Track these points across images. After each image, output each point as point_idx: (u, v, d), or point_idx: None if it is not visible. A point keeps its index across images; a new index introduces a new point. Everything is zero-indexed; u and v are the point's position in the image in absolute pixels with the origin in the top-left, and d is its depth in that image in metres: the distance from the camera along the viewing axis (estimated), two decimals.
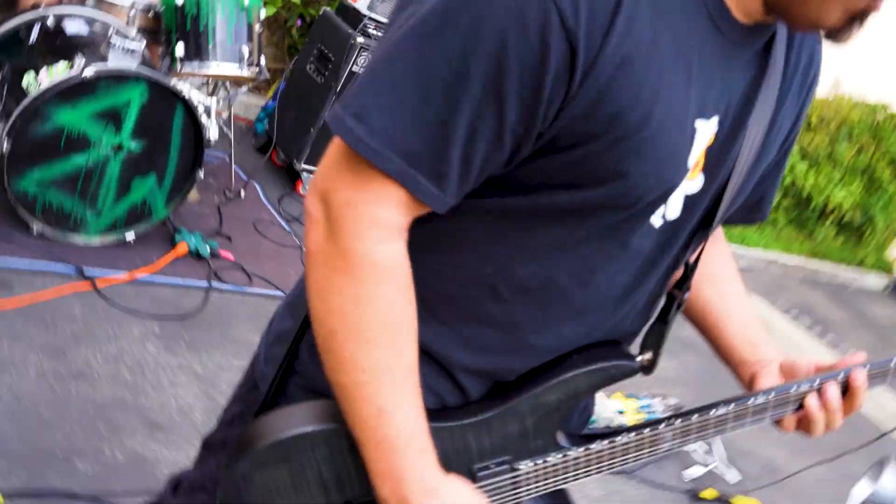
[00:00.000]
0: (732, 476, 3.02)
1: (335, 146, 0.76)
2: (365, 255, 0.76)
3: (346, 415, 0.80)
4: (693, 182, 0.84)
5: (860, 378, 0.92)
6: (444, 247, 0.84)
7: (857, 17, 0.77)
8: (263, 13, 2.94)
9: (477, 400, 0.90)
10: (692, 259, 0.94)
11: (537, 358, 0.89)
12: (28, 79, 2.44)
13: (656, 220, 0.84)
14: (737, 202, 0.92)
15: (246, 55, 2.83)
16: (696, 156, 0.82)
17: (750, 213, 1.03)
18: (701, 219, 0.89)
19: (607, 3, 0.69)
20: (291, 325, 0.93)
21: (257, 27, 2.87)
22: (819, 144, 6.56)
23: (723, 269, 1.09)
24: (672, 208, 0.85)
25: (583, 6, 0.68)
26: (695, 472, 2.96)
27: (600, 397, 2.96)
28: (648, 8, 0.72)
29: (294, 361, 0.93)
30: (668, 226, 0.86)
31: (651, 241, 0.86)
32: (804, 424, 0.95)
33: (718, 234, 1.09)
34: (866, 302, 6.17)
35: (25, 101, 2.36)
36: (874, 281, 6.63)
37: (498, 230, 0.82)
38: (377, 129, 0.71)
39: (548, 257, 0.83)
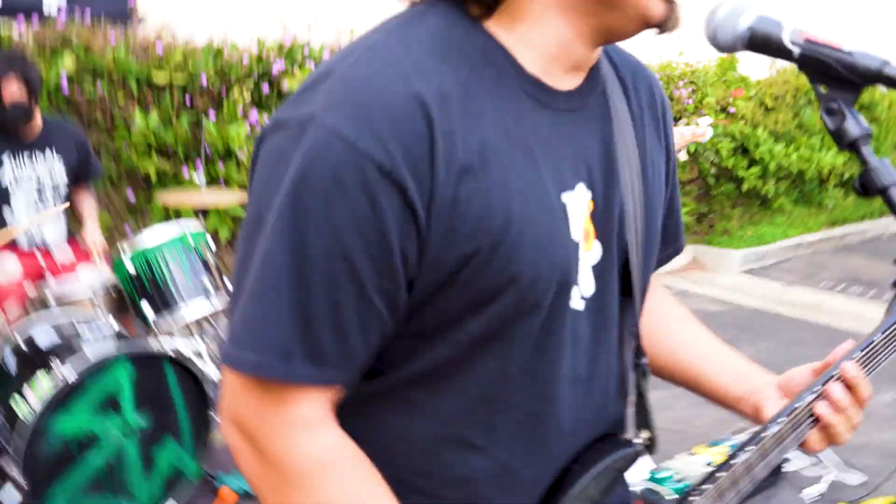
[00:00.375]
0: (855, 478, 2.77)
1: (225, 373, 0.77)
2: (300, 459, 0.74)
3: None
4: (592, 252, 0.82)
5: (850, 370, 0.87)
6: (391, 422, 0.82)
7: None
8: (211, 241, 3.00)
9: None
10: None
11: (538, 487, 0.85)
12: (15, 404, 2.45)
13: (577, 304, 0.81)
14: (651, 251, 0.91)
15: (210, 287, 2.85)
16: (580, 227, 0.80)
17: (667, 250, 1.02)
18: (621, 283, 0.87)
19: (418, 131, 0.68)
20: None
21: (210, 257, 2.91)
22: (785, 121, 6.57)
23: (671, 315, 1.08)
24: (585, 286, 0.82)
25: (394, 145, 0.67)
26: (814, 490, 2.71)
27: (683, 459, 2.76)
28: (462, 116, 0.71)
29: None
30: (592, 303, 0.83)
31: (585, 325, 0.84)
32: (828, 435, 0.89)
33: (655, 286, 1.04)
34: None
35: (23, 428, 2.36)
36: None
37: (436, 386, 0.79)
38: (246, 342, 0.72)
39: (500, 390, 0.80)
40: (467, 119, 0.71)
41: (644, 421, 0.92)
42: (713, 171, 6.13)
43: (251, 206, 0.74)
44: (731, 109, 6.22)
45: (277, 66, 4.61)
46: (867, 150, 0.80)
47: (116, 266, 2.83)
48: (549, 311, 0.78)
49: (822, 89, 0.80)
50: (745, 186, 6.17)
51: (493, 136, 0.73)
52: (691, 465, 2.70)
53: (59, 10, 4.46)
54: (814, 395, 0.87)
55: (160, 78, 4.26)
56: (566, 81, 0.80)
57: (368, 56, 0.72)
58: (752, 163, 6.18)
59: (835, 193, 6.71)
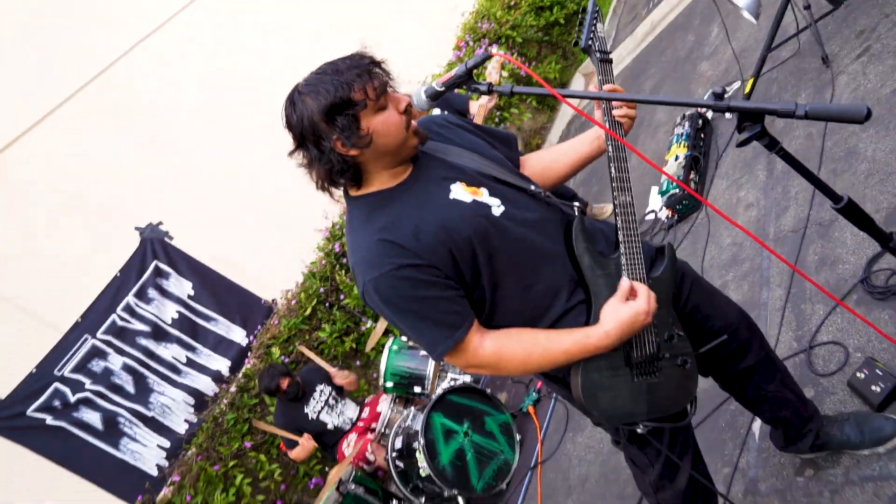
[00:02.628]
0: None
1: (448, 359, 1.67)
2: (492, 350, 1.66)
3: (567, 363, 1.68)
4: (481, 195, 1.67)
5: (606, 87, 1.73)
6: (499, 321, 1.73)
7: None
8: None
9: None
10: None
11: (566, 267, 1.73)
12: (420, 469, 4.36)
13: (505, 218, 1.65)
14: (506, 165, 1.81)
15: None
16: (462, 193, 1.65)
17: (512, 154, 1.91)
18: (511, 185, 1.72)
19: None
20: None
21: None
22: None
23: (538, 157, 1.98)
24: (495, 208, 1.66)
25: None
26: None
27: None
28: (394, 222, 1.62)
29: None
30: (509, 207, 1.66)
31: (524, 217, 1.69)
32: (626, 121, 1.75)
33: (530, 160, 1.96)
34: None
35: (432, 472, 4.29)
36: None
37: (502, 297, 1.71)
38: (438, 346, 1.64)
39: (512, 284, 1.68)
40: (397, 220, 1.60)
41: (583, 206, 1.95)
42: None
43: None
44: None
45: None
46: None
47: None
48: (495, 238, 1.61)
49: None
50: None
51: (413, 212, 1.60)
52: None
53: None
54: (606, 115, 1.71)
55: None
56: (406, 173, 1.67)
57: (352, 244, 1.64)
58: None
59: None
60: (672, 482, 1.93)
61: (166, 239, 6.15)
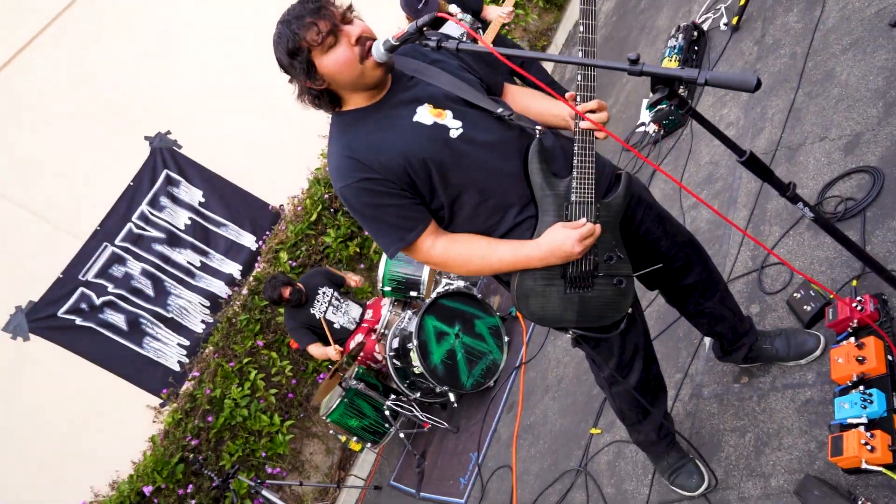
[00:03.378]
0: None
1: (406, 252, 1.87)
2: (442, 251, 1.85)
3: (503, 271, 1.85)
4: (445, 118, 1.79)
5: (568, 95, 1.80)
6: (458, 227, 1.90)
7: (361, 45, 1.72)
8: None
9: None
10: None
11: (519, 183, 1.85)
12: (414, 366, 4.70)
13: (462, 141, 1.78)
14: (479, 90, 1.90)
15: None
16: (426, 116, 1.78)
17: (496, 78, 2.02)
18: (478, 107, 1.82)
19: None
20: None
21: None
22: None
23: (522, 93, 2.08)
24: (454, 132, 1.77)
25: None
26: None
27: None
28: (363, 141, 1.79)
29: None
30: (468, 129, 1.79)
31: (480, 139, 1.79)
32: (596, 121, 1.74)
33: (515, 92, 2.06)
34: None
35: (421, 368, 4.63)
36: None
37: (459, 208, 1.86)
38: (395, 245, 1.85)
39: (467, 199, 1.83)
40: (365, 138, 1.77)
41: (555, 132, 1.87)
42: None
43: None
44: None
45: None
46: None
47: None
48: (449, 159, 1.74)
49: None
50: None
51: (370, 132, 1.76)
52: None
53: None
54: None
55: None
56: (382, 93, 1.81)
57: (329, 154, 1.81)
58: None
59: None
60: (625, 378, 2.15)
61: (175, 148, 6.20)
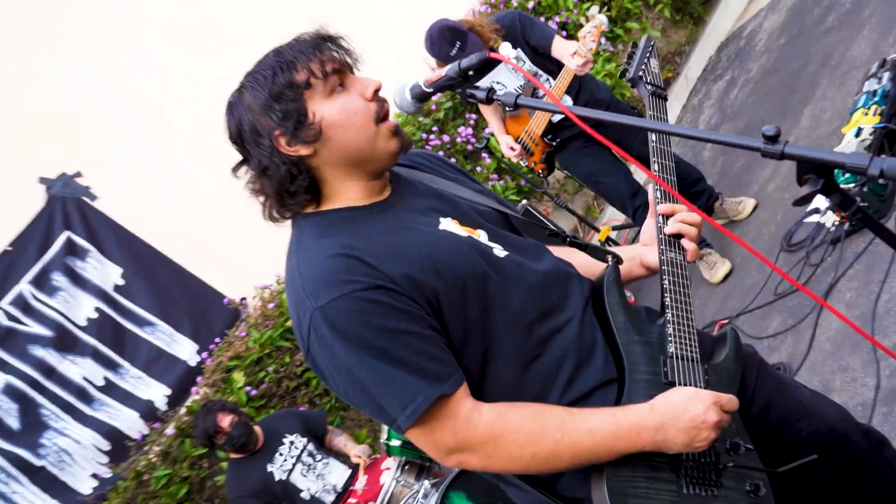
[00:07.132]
0: None
1: (412, 436, 1.34)
2: (490, 426, 1.29)
3: (590, 456, 1.33)
4: (479, 237, 1.42)
5: (659, 207, 1.48)
6: (496, 392, 1.40)
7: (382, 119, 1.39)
8: None
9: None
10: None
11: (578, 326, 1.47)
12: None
13: (510, 263, 1.40)
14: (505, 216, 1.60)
15: None
16: (456, 229, 1.40)
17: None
18: (516, 231, 1.56)
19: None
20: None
21: None
22: None
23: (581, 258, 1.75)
24: (498, 251, 1.41)
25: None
26: None
27: None
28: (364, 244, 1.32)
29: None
30: (513, 253, 1.43)
31: (533, 266, 1.43)
32: (688, 244, 1.47)
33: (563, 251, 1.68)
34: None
35: None
36: None
37: (493, 361, 1.42)
38: (398, 409, 1.30)
39: (512, 351, 1.39)
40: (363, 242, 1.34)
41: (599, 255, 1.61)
42: None
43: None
44: None
45: None
46: None
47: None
48: (494, 279, 1.36)
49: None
50: None
51: (384, 237, 1.33)
52: None
53: None
54: (659, 227, 1.49)
55: None
56: (383, 195, 1.42)
57: (292, 271, 1.36)
58: None
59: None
60: None
61: (85, 198, 5.25)
